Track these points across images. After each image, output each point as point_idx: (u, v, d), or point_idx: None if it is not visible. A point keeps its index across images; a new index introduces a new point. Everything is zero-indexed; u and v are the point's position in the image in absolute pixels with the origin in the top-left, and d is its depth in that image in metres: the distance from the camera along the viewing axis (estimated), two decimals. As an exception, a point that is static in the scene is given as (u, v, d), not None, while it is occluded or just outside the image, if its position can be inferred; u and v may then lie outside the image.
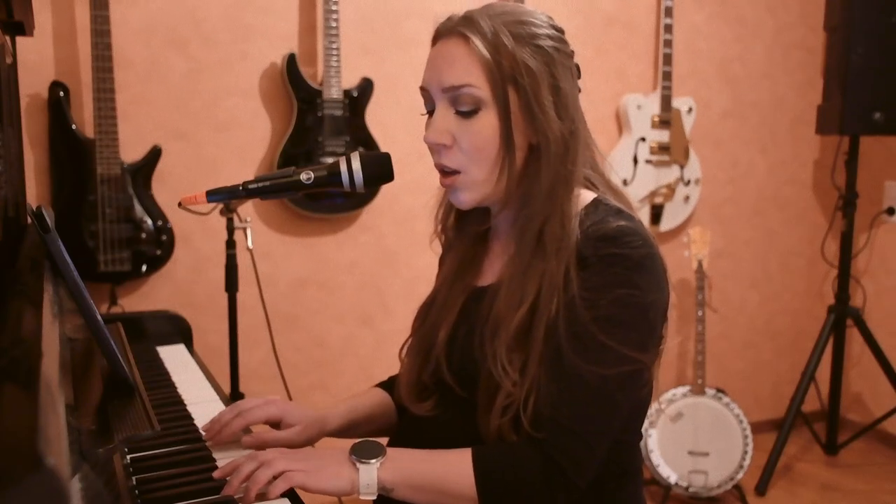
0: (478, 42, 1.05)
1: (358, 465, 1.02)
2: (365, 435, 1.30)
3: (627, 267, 1.03)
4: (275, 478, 1.00)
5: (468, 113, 1.06)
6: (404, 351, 1.27)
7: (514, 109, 1.06)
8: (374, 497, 1.03)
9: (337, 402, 1.30)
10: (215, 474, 1.06)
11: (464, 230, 1.23)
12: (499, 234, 1.20)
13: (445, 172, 1.10)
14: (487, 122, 1.06)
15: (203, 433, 1.24)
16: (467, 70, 1.05)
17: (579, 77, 1.15)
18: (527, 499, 1.02)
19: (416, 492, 1.03)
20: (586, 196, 1.13)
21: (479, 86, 1.05)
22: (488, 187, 1.09)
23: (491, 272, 1.19)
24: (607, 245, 1.03)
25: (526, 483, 1.02)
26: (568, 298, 1.03)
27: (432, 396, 1.18)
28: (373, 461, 1.02)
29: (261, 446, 1.17)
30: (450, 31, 1.09)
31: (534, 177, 1.08)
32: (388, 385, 1.36)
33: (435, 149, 1.10)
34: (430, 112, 1.12)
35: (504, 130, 1.06)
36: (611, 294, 1.02)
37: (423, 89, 1.12)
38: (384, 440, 1.16)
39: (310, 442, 1.23)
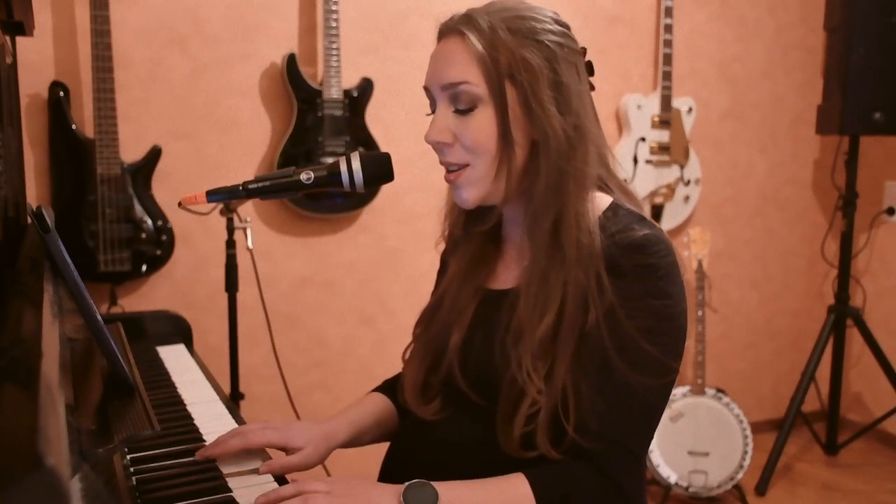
0: (474, 39, 1.05)
1: None
2: (372, 440, 1.29)
3: (659, 276, 1.03)
4: None
5: (466, 110, 1.06)
6: (407, 354, 1.25)
7: (513, 105, 1.05)
8: None
9: (339, 413, 1.26)
10: (258, 501, 0.99)
11: (471, 230, 1.21)
12: (512, 238, 1.19)
13: (451, 170, 1.10)
14: (486, 119, 1.06)
15: (197, 455, 1.18)
16: (464, 67, 1.05)
17: (592, 74, 1.13)
18: None
19: None
20: (603, 200, 1.11)
21: (476, 83, 1.05)
22: (489, 184, 1.08)
23: (507, 276, 1.17)
24: (638, 254, 1.03)
25: (587, 503, 1.02)
26: (606, 307, 1.02)
27: (437, 399, 1.17)
28: None
29: (277, 472, 1.13)
30: (450, 29, 1.09)
31: (535, 173, 1.07)
32: (386, 388, 1.34)
33: (437, 147, 1.10)
34: (431, 109, 1.12)
35: (501, 126, 1.05)
36: (647, 305, 1.02)
37: (426, 89, 1.12)
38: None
39: (321, 460, 1.19)
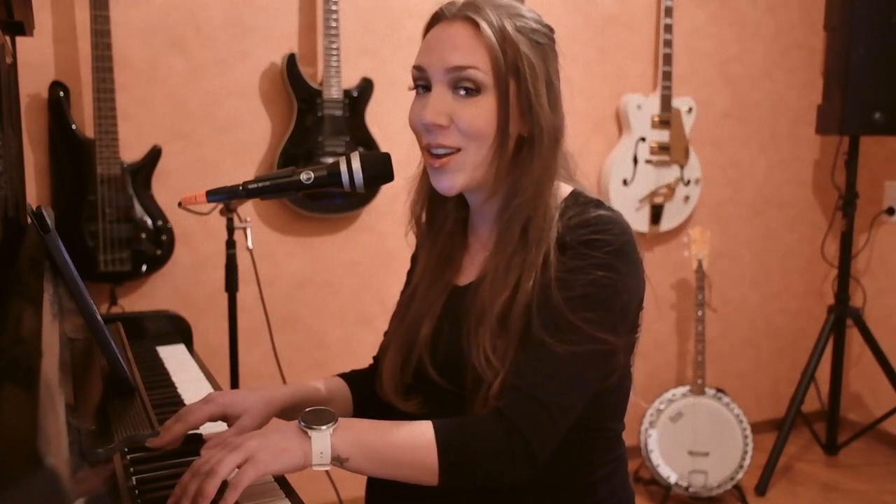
0: (486, 28, 1.07)
1: (310, 432, 0.97)
2: None
3: (607, 252, 1.05)
4: (225, 482, 0.93)
5: (468, 95, 1.08)
6: (385, 346, 1.25)
7: (512, 98, 1.08)
8: (328, 468, 0.98)
9: (285, 384, 1.26)
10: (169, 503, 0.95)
11: (436, 222, 1.23)
12: (477, 231, 1.21)
13: (439, 155, 1.10)
14: (486, 106, 1.08)
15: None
16: (473, 53, 1.07)
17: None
18: (488, 469, 1.01)
19: (372, 462, 0.99)
20: (564, 189, 1.15)
21: (484, 70, 1.07)
22: (480, 172, 1.10)
23: (472, 269, 1.19)
24: (590, 230, 1.06)
25: (488, 453, 1.01)
26: (544, 280, 1.05)
27: (417, 394, 1.18)
28: (324, 427, 0.97)
29: None
30: (455, 15, 1.10)
31: (525, 167, 1.10)
32: (351, 377, 1.33)
33: (430, 129, 1.10)
34: (419, 88, 1.13)
35: (501, 116, 1.08)
36: (590, 275, 1.04)
37: (417, 68, 1.12)
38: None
39: (261, 425, 1.17)
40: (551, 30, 1.14)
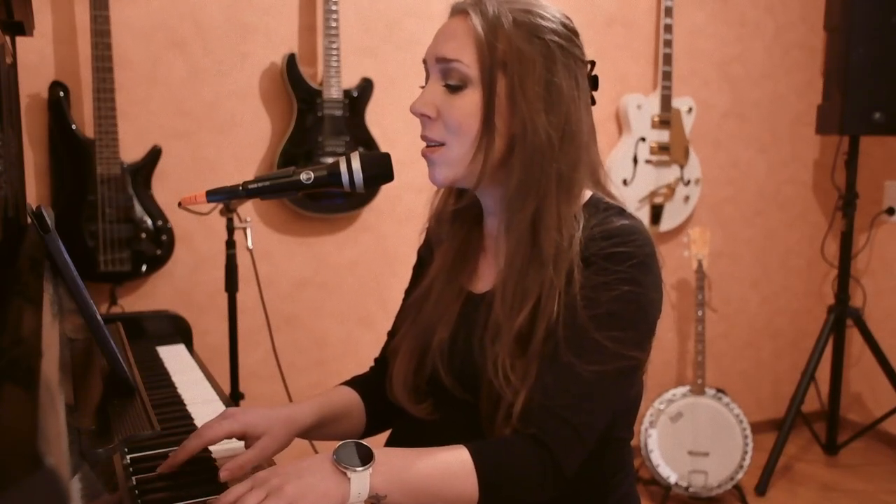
0: (476, 21, 1.06)
1: (349, 473, 0.93)
2: (336, 434, 1.25)
3: (632, 265, 1.03)
4: None
5: (454, 88, 1.07)
6: (396, 347, 1.23)
7: (500, 94, 1.06)
8: None
9: (303, 400, 1.23)
10: None
11: (457, 226, 1.22)
12: (492, 232, 1.19)
13: (429, 145, 1.11)
14: (471, 101, 1.07)
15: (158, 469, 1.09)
16: (461, 46, 1.07)
17: (595, 88, 1.14)
18: (523, 493, 1.01)
19: (411, 496, 0.96)
20: (585, 195, 1.13)
21: (469, 64, 1.06)
22: (463, 166, 1.09)
23: (488, 276, 1.17)
24: (613, 243, 1.04)
25: (525, 477, 1.01)
26: (569, 298, 1.03)
27: (430, 398, 1.17)
28: (361, 469, 0.93)
29: (238, 474, 1.05)
30: (458, 8, 1.11)
31: (512, 167, 1.08)
32: (356, 383, 1.31)
33: (420, 119, 1.11)
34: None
35: (485, 112, 1.06)
36: (614, 291, 1.02)
37: (424, 61, 1.13)
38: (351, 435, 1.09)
39: (283, 447, 1.14)
40: (570, 30, 1.10)
